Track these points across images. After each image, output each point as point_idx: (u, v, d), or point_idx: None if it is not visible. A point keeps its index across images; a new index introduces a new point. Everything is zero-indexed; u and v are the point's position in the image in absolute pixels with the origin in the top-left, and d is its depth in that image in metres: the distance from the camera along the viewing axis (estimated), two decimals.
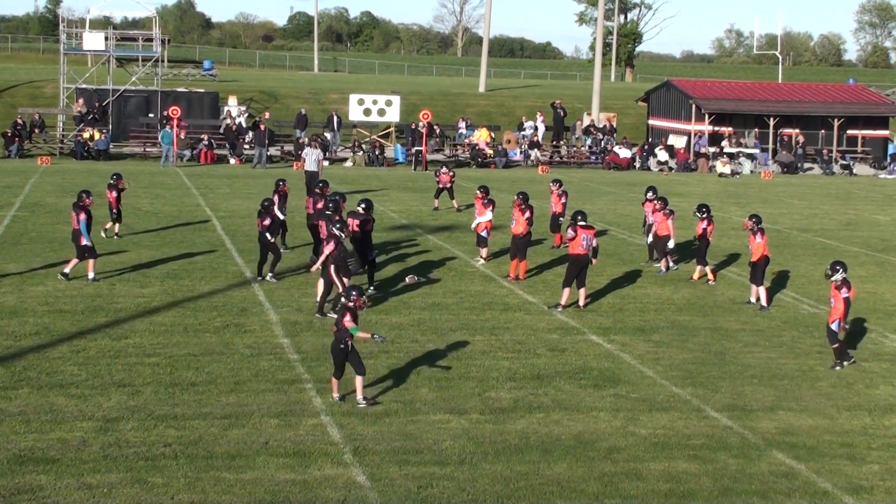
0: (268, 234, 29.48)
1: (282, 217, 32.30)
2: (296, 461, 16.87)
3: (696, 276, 31.99)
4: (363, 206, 29.30)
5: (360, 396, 19.55)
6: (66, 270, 29.16)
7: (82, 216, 28.97)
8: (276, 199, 31.76)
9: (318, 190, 32.73)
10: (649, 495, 16.13)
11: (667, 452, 17.91)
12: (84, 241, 28.91)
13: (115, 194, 35.97)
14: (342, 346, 19.50)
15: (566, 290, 27.95)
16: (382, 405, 19.57)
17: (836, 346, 23.48)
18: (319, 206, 31.41)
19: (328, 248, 25.81)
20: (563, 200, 36.63)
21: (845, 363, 23.45)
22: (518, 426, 18.88)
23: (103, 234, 35.77)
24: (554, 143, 75.74)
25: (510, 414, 19.49)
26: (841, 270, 23.55)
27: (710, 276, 31.88)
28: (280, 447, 17.45)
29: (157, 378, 20.83)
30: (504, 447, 17.84)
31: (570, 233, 27.80)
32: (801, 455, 18.04)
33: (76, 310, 25.92)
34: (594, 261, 28.25)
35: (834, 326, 23.30)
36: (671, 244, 32.72)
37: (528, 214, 31.13)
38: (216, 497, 15.44)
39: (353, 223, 28.58)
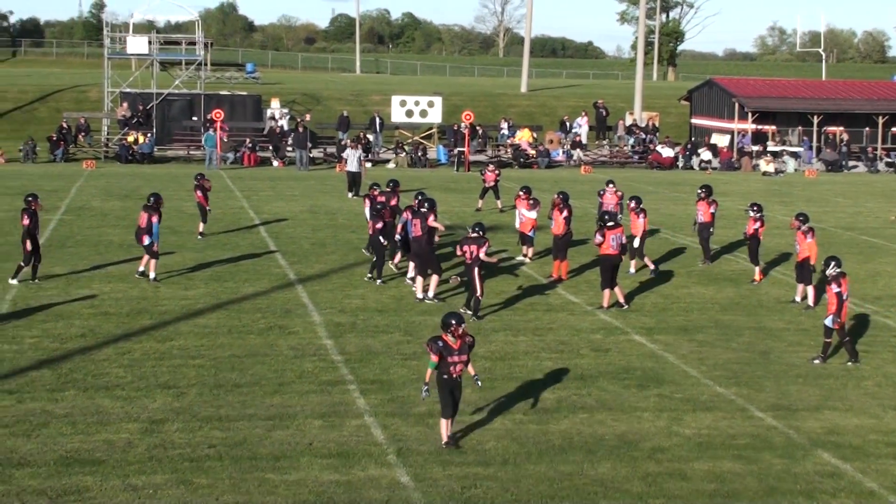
0: (381, 238, 29.85)
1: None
2: (339, 462, 16.92)
3: (757, 276, 31.78)
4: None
5: (444, 438, 17.89)
6: (151, 274, 29.60)
7: (154, 218, 29.46)
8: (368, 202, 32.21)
9: (388, 188, 33.05)
10: (694, 495, 16.09)
11: (711, 452, 17.86)
12: (146, 241, 29.21)
13: (201, 193, 36.55)
14: (445, 376, 17.66)
15: (606, 292, 27.91)
16: (426, 406, 19.57)
17: (827, 340, 23.36)
18: (393, 203, 32.32)
19: (482, 252, 26.25)
20: (619, 200, 36.67)
21: (816, 360, 23.37)
22: (562, 426, 18.86)
23: (199, 238, 36.71)
24: (598, 140, 75.85)
25: (553, 414, 19.48)
26: (834, 265, 23.43)
27: (758, 276, 31.70)
28: (324, 448, 17.50)
29: (202, 380, 20.94)
30: (548, 447, 17.83)
31: (598, 238, 27.66)
32: (847, 455, 17.95)
33: (121, 312, 26.08)
34: (626, 259, 28.10)
35: (828, 322, 23.17)
36: (636, 243, 32.30)
37: (565, 214, 31.15)
38: (260, 498, 15.50)
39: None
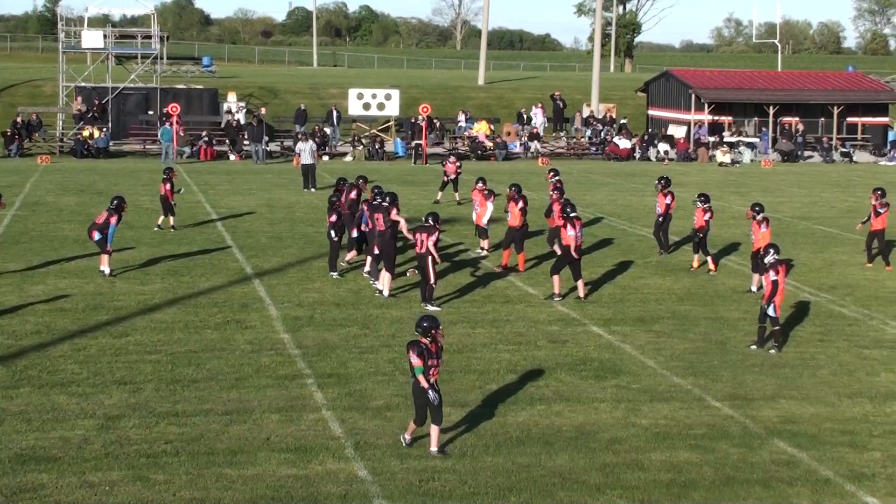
0: (332, 232, 29.72)
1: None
2: (297, 456, 16.87)
3: (695, 264, 31.95)
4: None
5: (433, 448, 17.18)
6: (105, 269, 29.53)
7: (113, 219, 29.53)
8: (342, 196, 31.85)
9: (355, 184, 32.78)
10: (651, 486, 16.13)
11: (668, 442, 17.91)
12: (95, 237, 29.16)
13: (168, 186, 36.64)
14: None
15: (556, 279, 27.92)
16: (383, 399, 19.58)
17: (776, 328, 23.52)
18: (352, 196, 31.84)
19: (432, 240, 26.22)
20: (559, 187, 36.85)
21: (772, 350, 23.52)
22: (519, 418, 18.87)
23: (156, 229, 36.93)
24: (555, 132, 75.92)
25: (511, 406, 19.48)
26: (773, 252, 23.57)
27: (712, 265, 31.83)
28: (281, 442, 17.45)
29: (158, 375, 20.84)
30: (505, 439, 17.83)
31: (570, 231, 27.60)
32: (803, 443, 18.04)
33: (77, 308, 25.93)
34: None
35: (770, 311, 23.32)
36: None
37: (521, 205, 31.17)
38: (218, 493, 15.44)
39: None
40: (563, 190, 33.65)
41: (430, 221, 26.56)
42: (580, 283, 28.09)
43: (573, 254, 27.61)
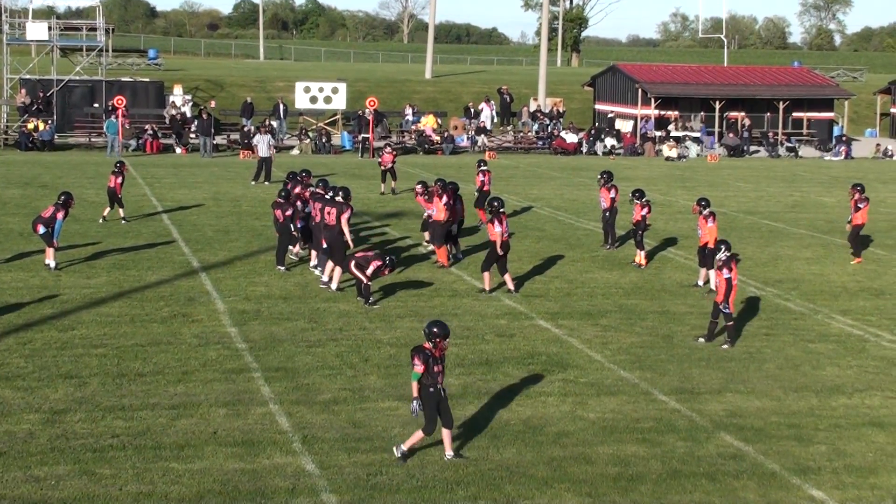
0: (291, 225, 29.64)
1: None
2: (244, 450, 16.81)
3: (643, 261, 31.99)
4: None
5: (449, 452, 16.90)
6: (51, 262, 29.33)
7: (60, 214, 29.45)
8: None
9: (299, 178, 32.53)
10: (598, 479, 16.16)
11: (615, 436, 17.96)
12: (40, 230, 29.00)
13: (119, 180, 36.72)
14: (431, 389, 16.52)
15: (486, 275, 27.90)
16: (330, 393, 19.55)
17: (730, 323, 23.66)
18: (297, 191, 31.35)
19: (362, 256, 26.23)
20: (483, 178, 37.47)
21: (725, 345, 23.62)
22: (467, 412, 18.86)
23: (101, 221, 36.83)
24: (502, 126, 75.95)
25: (459, 400, 19.45)
26: (724, 249, 23.64)
27: (643, 259, 31.94)
28: (229, 436, 17.38)
29: (105, 369, 20.71)
30: (453, 433, 17.81)
31: (498, 227, 27.43)
32: (749, 437, 18.13)
33: (22, 301, 25.71)
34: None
35: (722, 307, 23.45)
36: (454, 229, 32.33)
37: (445, 199, 31.10)
38: (165, 488, 15.37)
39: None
40: (457, 184, 33.28)
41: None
42: (507, 277, 28.05)
43: (498, 250, 27.56)
